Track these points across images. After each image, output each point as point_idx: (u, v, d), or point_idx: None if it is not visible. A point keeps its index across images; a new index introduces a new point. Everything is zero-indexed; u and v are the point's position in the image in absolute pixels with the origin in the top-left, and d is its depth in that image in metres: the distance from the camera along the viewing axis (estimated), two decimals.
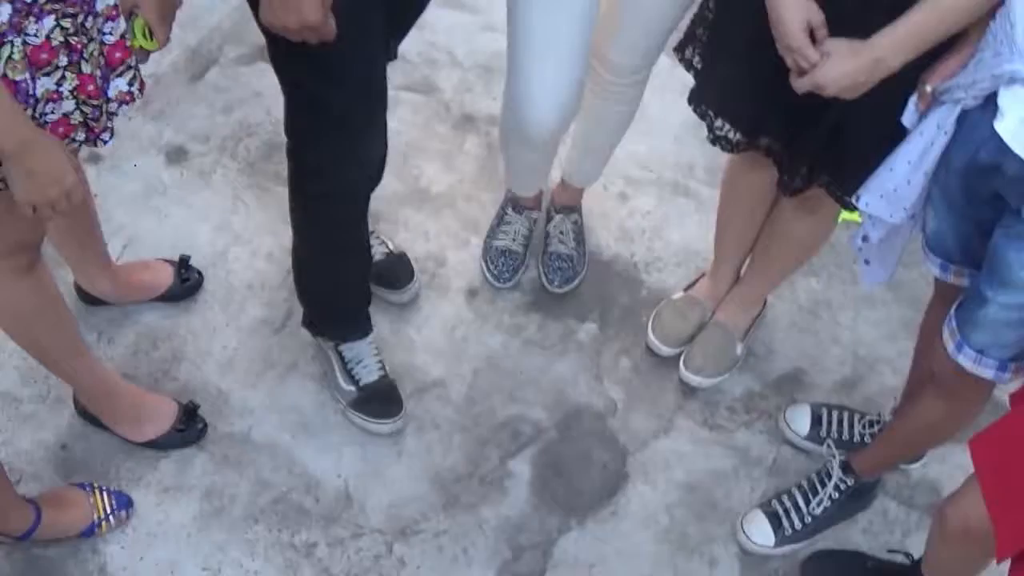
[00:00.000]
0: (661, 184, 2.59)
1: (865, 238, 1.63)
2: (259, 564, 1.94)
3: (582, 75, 1.82)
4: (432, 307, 2.31)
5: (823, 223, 1.98)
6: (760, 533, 2.01)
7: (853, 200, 1.59)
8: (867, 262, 1.70)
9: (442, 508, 2.03)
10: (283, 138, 1.73)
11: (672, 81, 2.26)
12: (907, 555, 1.94)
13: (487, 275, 2.33)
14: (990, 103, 1.35)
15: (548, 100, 1.79)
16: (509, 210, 2.35)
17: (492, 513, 2.03)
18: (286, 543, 1.97)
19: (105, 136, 1.45)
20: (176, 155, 2.51)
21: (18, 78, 1.26)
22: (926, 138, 1.44)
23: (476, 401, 2.18)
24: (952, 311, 1.52)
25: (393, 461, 2.08)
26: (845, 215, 1.93)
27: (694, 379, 2.19)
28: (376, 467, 2.07)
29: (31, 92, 1.29)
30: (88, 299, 2.18)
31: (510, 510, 2.04)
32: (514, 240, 2.33)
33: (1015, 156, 1.30)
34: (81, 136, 1.41)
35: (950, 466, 2.15)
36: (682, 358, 2.21)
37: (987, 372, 1.48)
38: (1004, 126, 1.31)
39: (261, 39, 1.54)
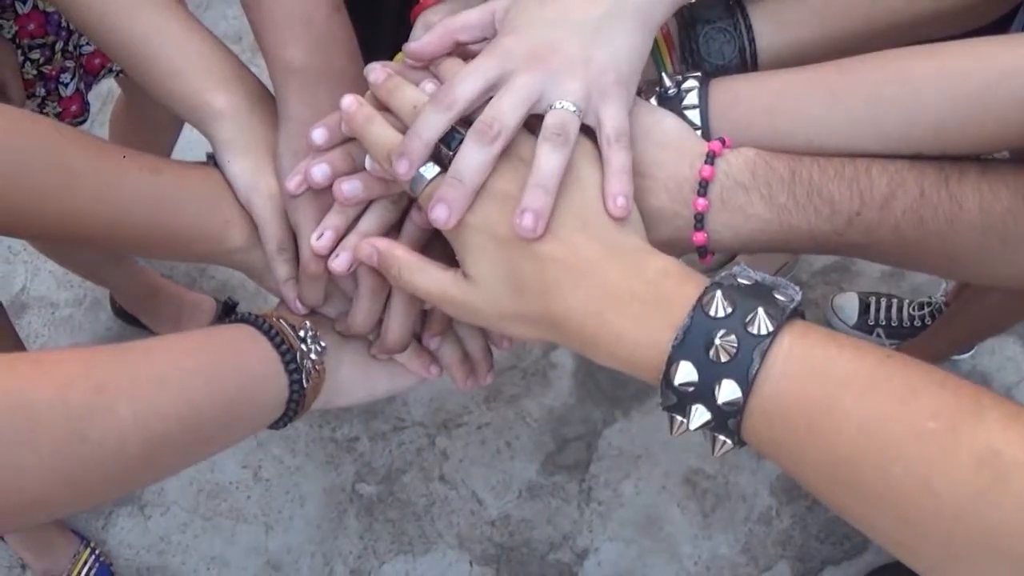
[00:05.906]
0: None
1: None
2: (300, 460, 1.92)
3: None
4: None
5: None
6: None
7: None
8: None
9: (484, 401, 2.00)
10: None
11: None
12: None
13: None
14: None
15: None
16: None
17: (535, 405, 2.00)
18: (327, 438, 1.95)
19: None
20: None
21: (50, 9, 1.21)
22: None
23: None
24: None
25: None
26: None
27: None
28: None
29: (62, 24, 1.24)
30: None
31: (554, 402, 2.01)
32: None
33: None
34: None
35: (1000, 358, 2.10)
36: None
37: None
38: None
39: None
